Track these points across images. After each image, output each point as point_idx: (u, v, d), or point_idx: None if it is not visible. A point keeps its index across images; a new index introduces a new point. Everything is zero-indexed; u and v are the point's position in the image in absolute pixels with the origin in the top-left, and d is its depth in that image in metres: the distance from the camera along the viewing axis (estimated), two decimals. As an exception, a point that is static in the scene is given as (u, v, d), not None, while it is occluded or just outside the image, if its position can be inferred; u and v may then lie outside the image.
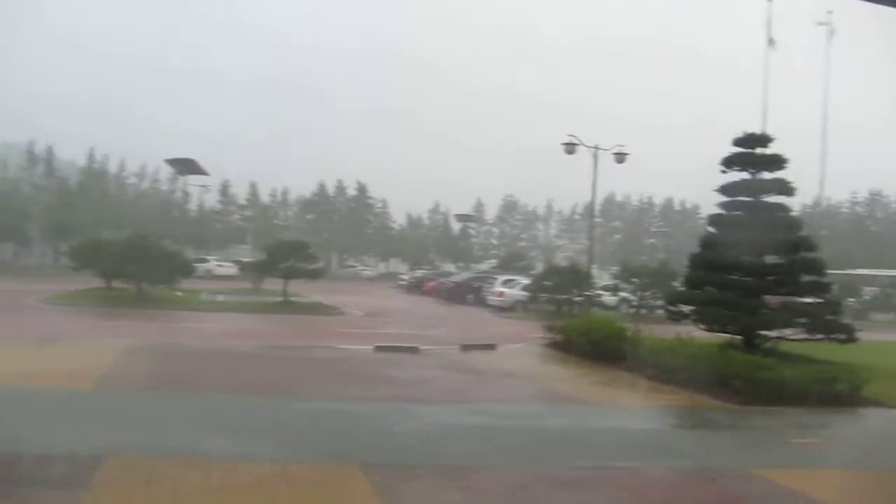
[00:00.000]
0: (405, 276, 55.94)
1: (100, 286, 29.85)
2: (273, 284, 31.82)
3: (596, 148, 30.18)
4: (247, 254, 57.25)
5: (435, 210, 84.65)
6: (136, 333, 18.58)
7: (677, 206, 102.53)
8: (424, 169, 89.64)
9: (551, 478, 7.92)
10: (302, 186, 74.02)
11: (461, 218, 77.24)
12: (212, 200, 67.88)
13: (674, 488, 8.02)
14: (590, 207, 34.05)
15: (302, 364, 15.72)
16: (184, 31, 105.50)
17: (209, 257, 54.02)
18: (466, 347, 19.08)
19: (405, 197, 74.09)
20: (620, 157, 29.94)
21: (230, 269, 49.66)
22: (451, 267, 65.84)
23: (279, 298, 29.76)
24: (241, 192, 71.07)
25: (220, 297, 31.28)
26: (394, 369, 15.17)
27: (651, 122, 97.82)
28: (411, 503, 7.11)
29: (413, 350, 18.02)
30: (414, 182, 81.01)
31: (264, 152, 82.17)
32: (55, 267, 46.40)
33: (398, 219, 78.70)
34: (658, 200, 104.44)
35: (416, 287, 48.03)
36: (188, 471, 7.25)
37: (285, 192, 74.58)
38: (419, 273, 55.58)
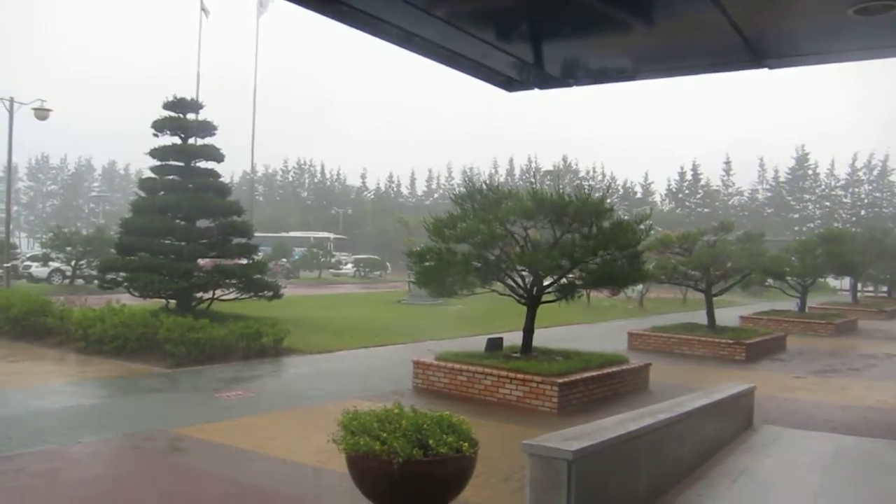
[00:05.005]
0: None
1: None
2: None
3: (11, 101, 26.62)
4: None
5: None
6: None
7: (121, 170, 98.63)
8: None
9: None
10: None
11: None
12: None
13: (91, 464, 7.61)
14: (9, 169, 30.16)
15: None
16: None
17: None
18: None
19: None
20: (42, 114, 26.74)
21: None
22: None
23: None
24: None
25: None
26: None
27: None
28: None
29: None
30: None
31: None
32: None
33: None
34: (101, 163, 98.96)
35: None
36: None
37: None
38: None
